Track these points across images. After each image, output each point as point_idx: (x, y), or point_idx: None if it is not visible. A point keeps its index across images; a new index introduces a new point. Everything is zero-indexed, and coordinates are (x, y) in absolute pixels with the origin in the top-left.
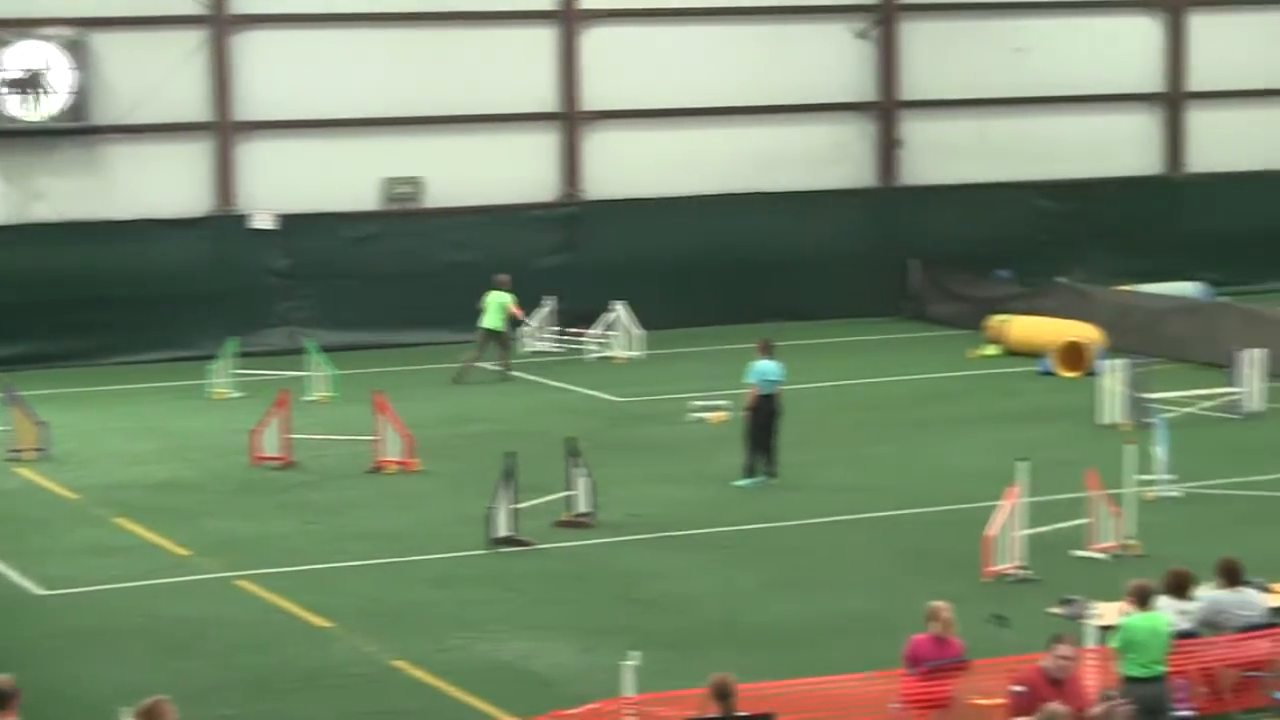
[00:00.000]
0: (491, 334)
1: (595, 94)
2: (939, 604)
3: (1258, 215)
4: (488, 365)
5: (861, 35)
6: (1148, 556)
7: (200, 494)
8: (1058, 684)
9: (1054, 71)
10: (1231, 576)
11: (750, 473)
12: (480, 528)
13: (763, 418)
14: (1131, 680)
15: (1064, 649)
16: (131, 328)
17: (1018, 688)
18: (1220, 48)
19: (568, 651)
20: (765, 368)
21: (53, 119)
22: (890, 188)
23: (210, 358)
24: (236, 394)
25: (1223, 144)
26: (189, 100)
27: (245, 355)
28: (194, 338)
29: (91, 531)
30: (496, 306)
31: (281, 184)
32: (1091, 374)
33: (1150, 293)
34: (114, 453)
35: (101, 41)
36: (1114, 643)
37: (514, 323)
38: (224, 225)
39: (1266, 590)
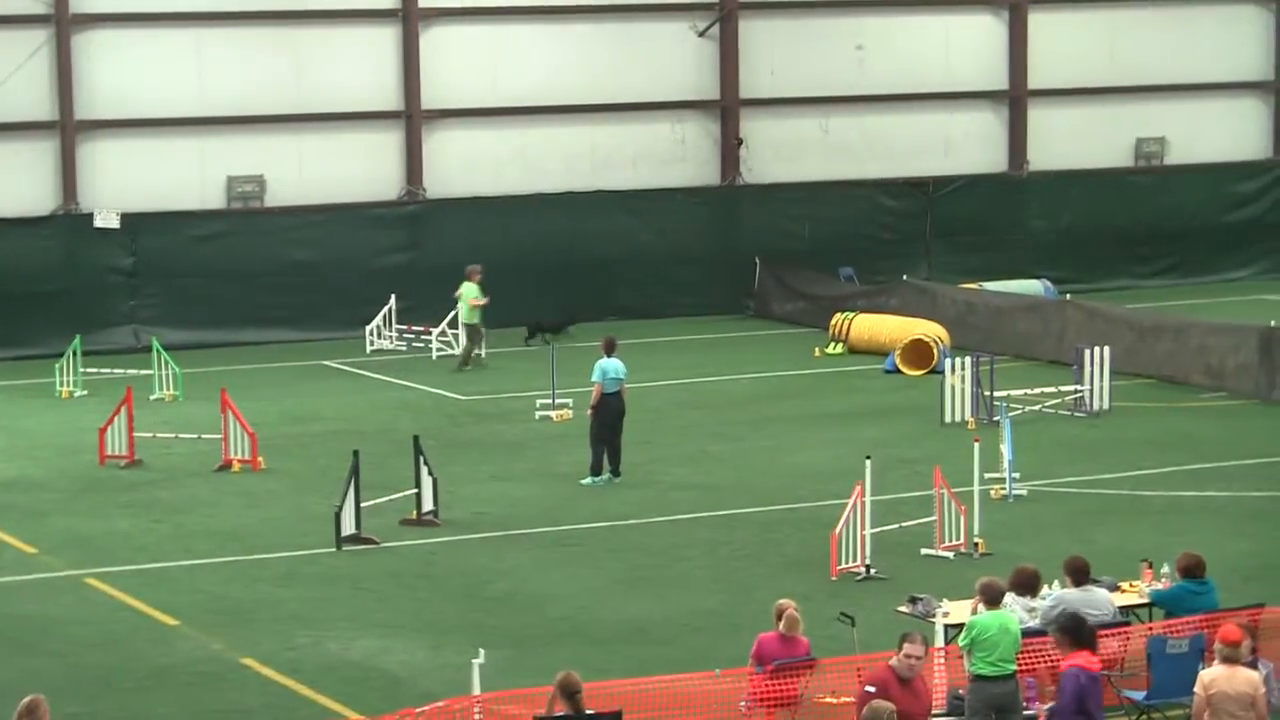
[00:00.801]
0: (467, 325)
1: (436, 92)
2: (784, 602)
3: (1100, 213)
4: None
5: (701, 33)
6: (994, 554)
7: (47, 492)
8: (907, 682)
9: (896, 69)
10: (1079, 575)
11: (597, 471)
12: (326, 526)
13: (607, 416)
14: (981, 679)
15: (912, 648)
16: None
17: (870, 687)
18: (1062, 45)
19: (416, 649)
20: (608, 366)
21: None
22: (733, 186)
23: (55, 356)
24: (82, 392)
25: (1065, 141)
26: (32, 99)
27: (90, 354)
28: (39, 336)
29: None
30: (464, 299)
31: (125, 183)
32: (936, 372)
33: (994, 290)
34: None
35: None
36: (963, 641)
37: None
38: (68, 224)
39: (1118, 588)
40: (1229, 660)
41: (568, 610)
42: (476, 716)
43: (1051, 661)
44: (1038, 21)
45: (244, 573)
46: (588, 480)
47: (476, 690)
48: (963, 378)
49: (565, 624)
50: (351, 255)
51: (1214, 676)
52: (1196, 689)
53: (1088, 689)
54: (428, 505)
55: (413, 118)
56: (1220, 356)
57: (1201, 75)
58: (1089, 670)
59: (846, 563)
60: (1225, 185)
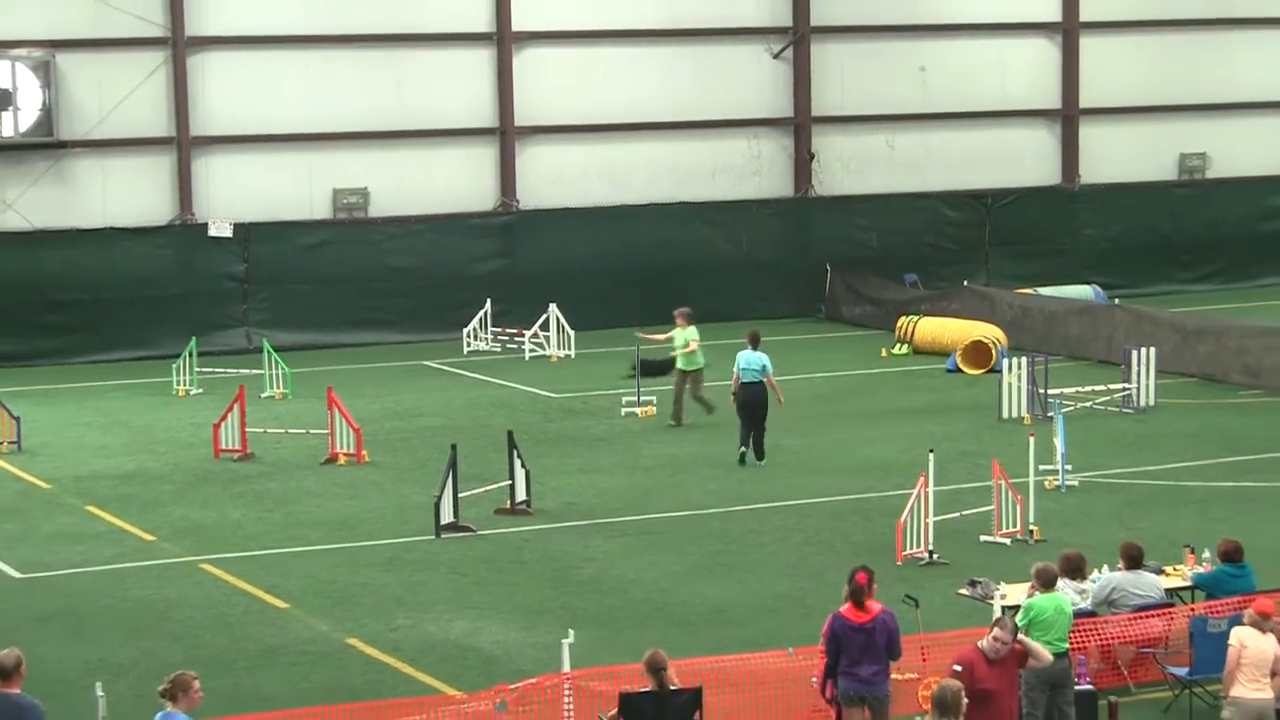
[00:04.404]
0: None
1: (529, 110)
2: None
3: (1147, 223)
4: None
5: (776, 55)
6: (1048, 541)
7: (165, 484)
8: (995, 664)
9: (956, 89)
10: (1132, 560)
11: (744, 456)
12: (426, 515)
13: (741, 405)
14: None
15: (1001, 632)
16: (99, 329)
17: (957, 666)
18: (1111, 67)
19: (509, 630)
20: (739, 358)
21: (23, 134)
22: (805, 198)
23: (173, 357)
24: (197, 391)
25: (1114, 157)
26: (150, 116)
27: (205, 355)
28: (157, 338)
29: (63, 519)
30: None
31: (238, 194)
32: (994, 371)
33: (1048, 295)
34: (84, 445)
35: (68, 61)
36: (1020, 621)
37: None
38: (184, 233)
39: (1163, 572)
40: (1256, 627)
41: (651, 593)
42: (566, 692)
43: (1103, 639)
44: (1088, 45)
45: (349, 559)
46: (741, 464)
47: (566, 668)
48: (1019, 376)
49: (648, 606)
50: (449, 262)
51: (1246, 635)
52: (1232, 641)
53: (841, 635)
54: (520, 496)
55: (506, 134)
56: (1258, 356)
57: (1240, 95)
58: (848, 619)
59: (911, 549)
60: (1263, 198)
